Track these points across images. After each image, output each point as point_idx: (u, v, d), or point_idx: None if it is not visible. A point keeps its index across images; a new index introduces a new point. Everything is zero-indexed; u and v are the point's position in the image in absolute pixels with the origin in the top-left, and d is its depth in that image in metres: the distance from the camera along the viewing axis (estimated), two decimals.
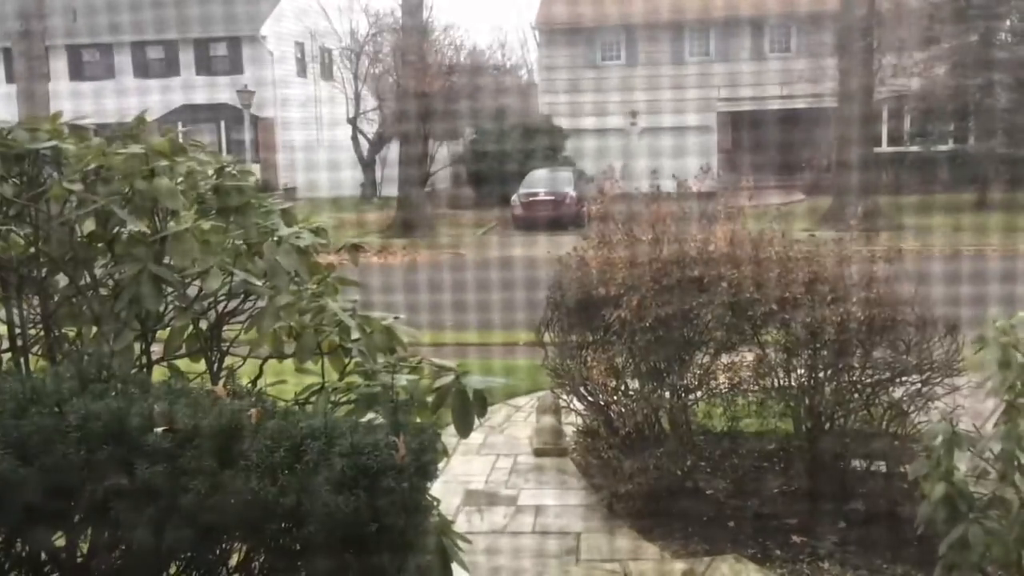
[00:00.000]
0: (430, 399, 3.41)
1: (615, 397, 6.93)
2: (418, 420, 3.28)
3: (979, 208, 26.88)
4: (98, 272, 3.72)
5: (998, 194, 27.34)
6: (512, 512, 6.78)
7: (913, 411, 6.19)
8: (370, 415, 3.25)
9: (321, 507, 2.76)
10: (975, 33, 28.60)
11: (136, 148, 3.55)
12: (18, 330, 3.70)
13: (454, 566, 3.38)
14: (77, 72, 40.42)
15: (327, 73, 42.81)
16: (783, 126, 32.41)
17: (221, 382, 3.55)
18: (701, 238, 6.84)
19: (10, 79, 29.74)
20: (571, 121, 35.61)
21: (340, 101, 40.52)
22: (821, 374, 6.29)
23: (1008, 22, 29.50)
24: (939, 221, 23.75)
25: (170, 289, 3.54)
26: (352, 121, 39.29)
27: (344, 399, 3.49)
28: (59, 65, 37.91)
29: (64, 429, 2.90)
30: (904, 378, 6.20)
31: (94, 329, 3.66)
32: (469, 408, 3.39)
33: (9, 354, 3.71)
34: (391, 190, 32.20)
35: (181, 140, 3.94)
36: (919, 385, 6.17)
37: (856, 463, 6.42)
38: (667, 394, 6.63)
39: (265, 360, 3.71)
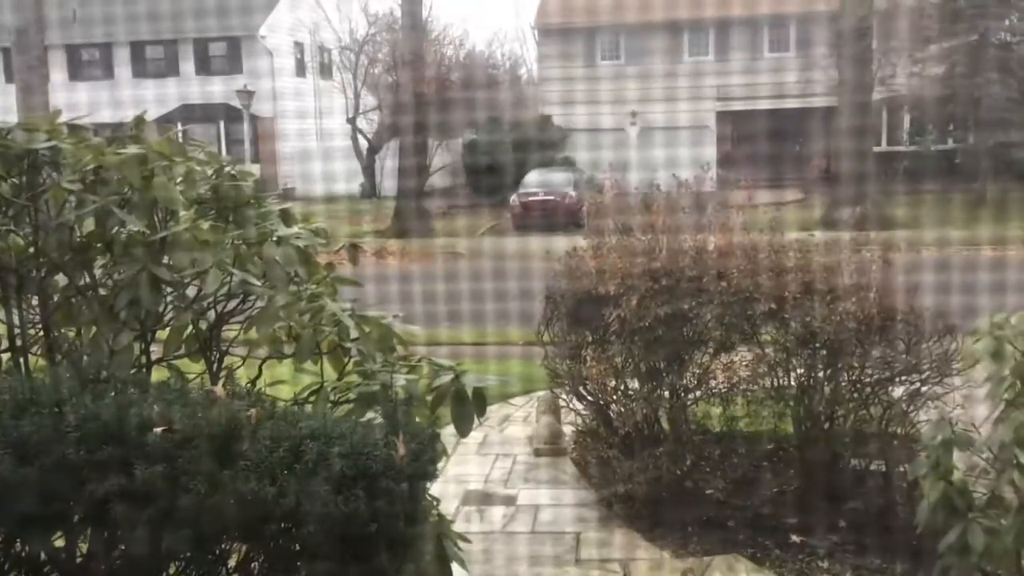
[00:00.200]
0: (429, 398, 3.41)
1: (614, 397, 6.93)
2: (417, 420, 3.28)
3: (978, 207, 26.88)
4: (97, 272, 3.72)
5: (997, 193, 27.36)
6: (511, 512, 6.78)
7: (912, 411, 6.20)
8: (369, 415, 3.25)
9: (320, 507, 2.76)
10: (974, 32, 28.61)
11: (135, 148, 3.54)
12: (17, 330, 3.70)
13: (453, 566, 3.38)
14: (76, 72, 40.43)
15: (326, 73, 42.82)
16: (782, 125, 32.45)
17: (220, 382, 3.55)
18: (700, 237, 6.85)
19: (9, 79, 29.76)
20: (570, 120, 35.65)
21: (339, 101, 40.54)
22: (820, 374, 6.29)
23: (1006, 21, 29.51)
24: (937, 219, 23.76)
25: (169, 289, 3.54)
26: (351, 121, 39.31)
27: (343, 399, 3.49)
28: (58, 65, 37.91)
29: (63, 429, 2.91)
30: (903, 377, 6.20)
31: (93, 329, 3.65)
32: (468, 407, 3.39)
33: (8, 354, 3.71)
34: (390, 189, 32.21)
35: (180, 140, 3.94)
36: (918, 384, 6.17)
37: (855, 463, 6.42)
38: (666, 394, 6.63)
39: (264, 360, 3.71)
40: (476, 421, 3.45)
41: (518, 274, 16.33)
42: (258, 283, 3.45)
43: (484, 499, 7.04)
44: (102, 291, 3.68)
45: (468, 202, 34.08)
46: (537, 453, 7.88)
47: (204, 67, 40.30)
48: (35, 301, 3.79)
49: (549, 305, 7.29)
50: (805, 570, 5.76)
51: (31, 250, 3.65)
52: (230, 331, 3.79)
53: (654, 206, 7.29)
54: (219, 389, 3.18)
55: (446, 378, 3.40)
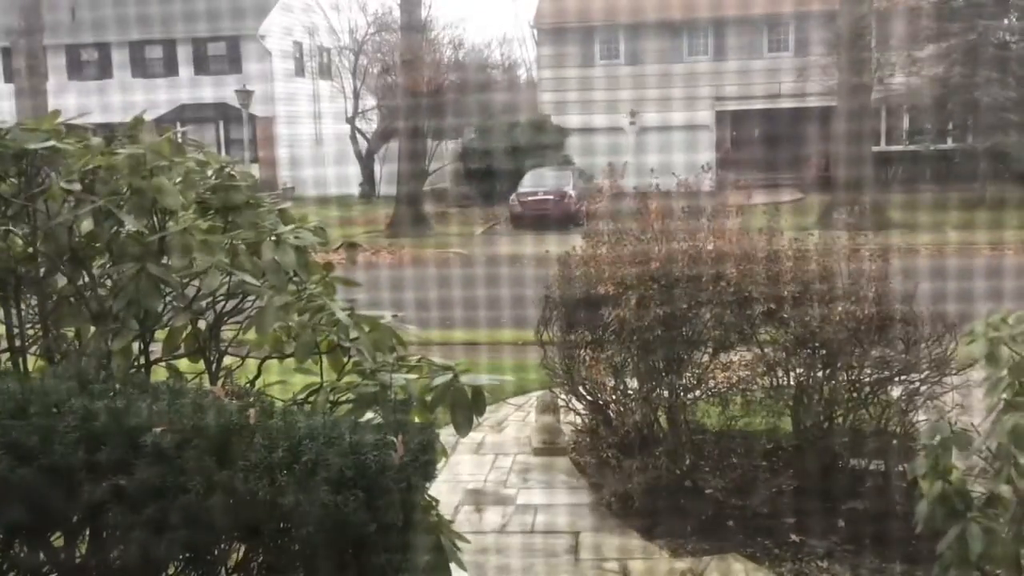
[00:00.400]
0: (428, 398, 3.41)
1: (613, 396, 6.94)
2: (416, 420, 3.28)
3: (977, 206, 26.89)
4: (96, 273, 3.72)
5: (997, 192, 27.36)
6: (511, 511, 6.78)
7: (910, 410, 6.20)
8: (368, 415, 3.25)
9: (320, 507, 2.76)
10: (972, 32, 28.60)
11: (134, 148, 3.54)
12: (16, 330, 3.70)
13: (452, 566, 3.38)
14: (75, 71, 40.41)
15: (326, 72, 42.79)
16: (781, 124, 32.45)
17: (220, 382, 3.55)
18: (700, 237, 6.85)
19: (8, 78, 29.75)
20: (570, 120, 35.63)
21: (339, 100, 40.53)
22: (818, 373, 6.29)
23: (1006, 20, 29.51)
24: (937, 219, 23.77)
25: (168, 289, 3.54)
26: (351, 120, 39.29)
27: (343, 399, 3.49)
28: (57, 64, 37.90)
29: (63, 429, 2.91)
30: (902, 377, 6.20)
31: (92, 329, 3.65)
32: (468, 406, 3.39)
33: (8, 354, 3.71)
34: (390, 189, 32.21)
35: (180, 140, 3.94)
36: (916, 384, 6.18)
37: (854, 462, 6.42)
38: (665, 394, 6.63)
39: (264, 360, 3.71)
40: (475, 421, 3.45)
41: (517, 274, 16.34)
42: (257, 283, 3.45)
43: (483, 499, 7.04)
44: (101, 291, 3.68)
45: (467, 202, 34.07)
46: (536, 453, 7.88)
47: (203, 67, 40.28)
48: (34, 301, 3.79)
49: (548, 305, 7.29)
50: (803, 570, 5.76)
51: (30, 250, 3.65)
52: (229, 331, 3.79)
53: (653, 206, 7.29)
54: (218, 389, 3.18)
55: (445, 378, 3.40)
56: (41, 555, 3.18)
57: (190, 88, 39.09)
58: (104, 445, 2.89)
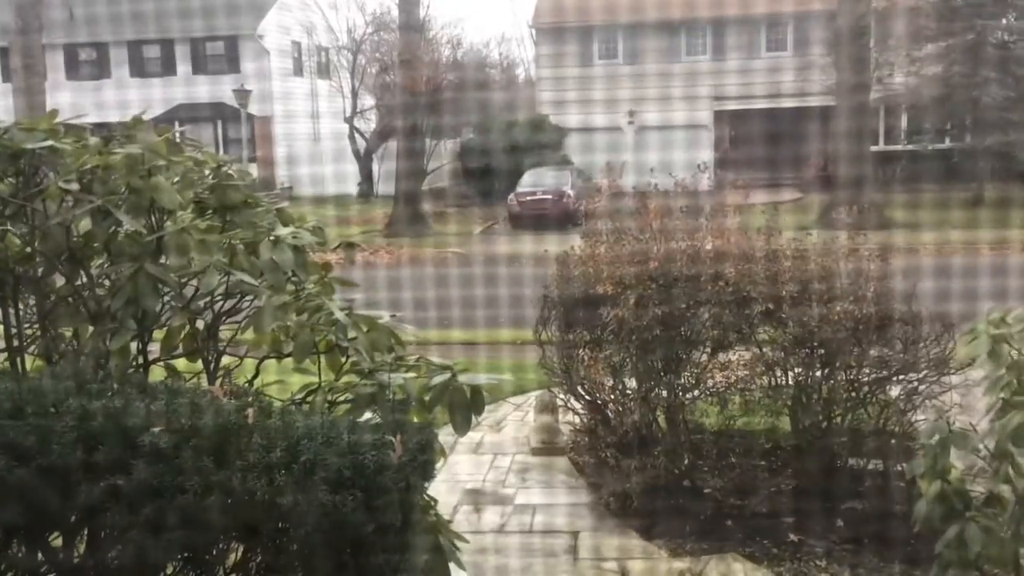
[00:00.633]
0: (426, 397, 3.40)
1: (612, 396, 6.94)
2: (414, 419, 3.28)
3: (975, 205, 26.90)
4: (94, 272, 3.71)
5: (994, 191, 27.37)
6: (510, 511, 6.78)
7: (909, 410, 6.20)
8: (367, 415, 3.25)
9: (318, 507, 2.76)
10: (971, 31, 28.61)
11: (133, 148, 3.54)
12: (14, 330, 3.69)
13: (451, 566, 3.38)
14: (73, 71, 40.38)
15: (324, 72, 42.77)
16: (779, 124, 32.43)
17: (218, 382, 3.54)
18: (698, 236, 6.85)
19: (6, 78, 29.72)
20: (568, 119, 35.62)
21: (337, 100, 40.51)
22: (817, 373, 6.29)
23: (1004, 20, 29.52)
24: (935, 219, 23.78)
25: (167, 289, 3.54)
26: (349, 120, 39.28)
27: (341, 398, 3.48)
28: (56, 64, 37.85)
29: (61, 429, 2.90)
30: (900, 376, 6.20)
31: (90, 329, 3.65)
32: (466, 406, 3.38)
33: (5, 354, 3.71)
34: (388, 188, 32.20)
35: (178, 139, 3.94)
36: (915, 383, 6.18)
37: (853, 461, 6.42)
38: (664, 393, 6.63)
39: (262, 360, 3.71)
40: (474, 420, 3.44)
41: (515, 274, 16.33)
42: (255, 283, 3.45)
43: (481, 499, 7.04)
44: (99, 291, 3.68)
45: (466, 202, 34.07)
46: (534, 452, 7.88)
47: (201, 67, 40.25)
48: (32, 301, 3.79)
49: (546, 305, 7.29)
50: (802, 569, 5.76)
51: (28, 250, 3.65)
52: (227, 331, 3.79)
53: (651, 206, 7.29)
54: (216, 389, 3.18)
55: (443, 377, 3.39)
56: (39, 555, 3.18)
57: (188, 87, 39.04)
58: (102, 445, 2.88)
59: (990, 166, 28.12)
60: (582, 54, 37.38)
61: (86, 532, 3.15)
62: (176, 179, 3.62)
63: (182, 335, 3.66)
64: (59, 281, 3.73)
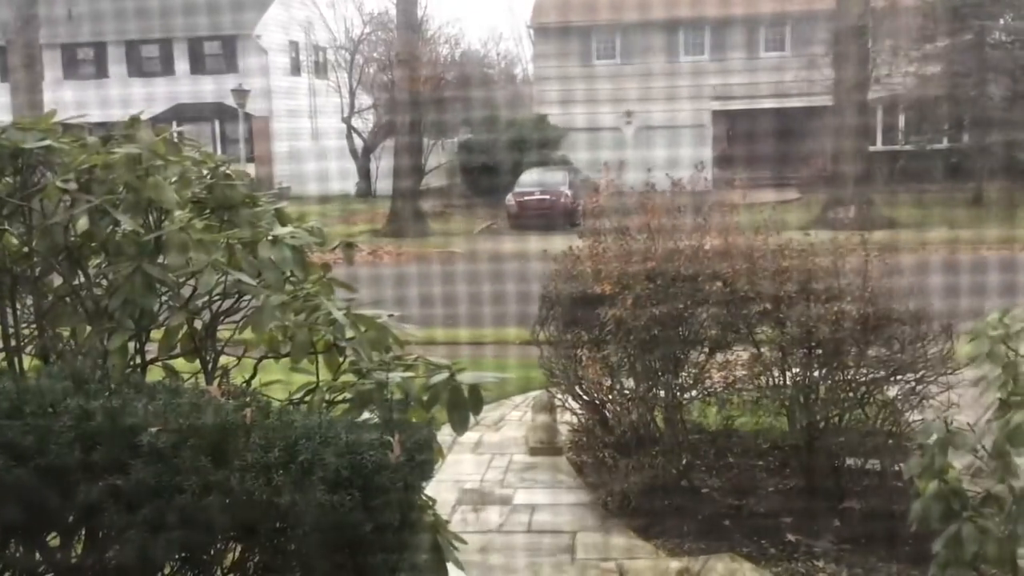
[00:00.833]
0: (424, 397, 3.40)
1: (610, 396, 6.94)
2: (413, 419, 3.28)
3: (974, 205, 26.93)
4: (91, 272, 3.71)
5: (993, 191, 27.40)
6: (507, 511, 6.78)
7: (907, 409, 6.21)
8: (365, 415, 3.25)
9: (316, 507, 2.76)
10: (969, 32, 28.65)
11: (130, 148, 3.54)
12: (12, 329, 3.69)
13: (449, 566, 3.37)
14: (71, 71, 40.36)
15: (321, 72, 42.78)
16: (778, 124, 32.46)
17: (216, 382, 3.54)
18: (696, 236, 6.85)
19: (4, 77, 29.69)
20: (566, 119, 35.63)
21: (335, 99, 40.51)
22: (816, 372, 6.29)
23: (1002, 20, 29.56)
24: (933, 219, 23.79)
25: (164, 289, 3.53)
26: (347, 120, 39.28)
27: (338, 399, 3.48)
28: (53, 64, 37.82)
29: (58, 429, 2.90)
30: (899, 376, 6.21)
31: (87, 329, 3.65)
32: (464, 405, 3.38)
33: (3, 353, 3.70)
34: (386, 188, 32.20)
35: (175, 139, 3.94)
36: (913, 383, 6.18)
37: (851, 461, 6.43)
38: (662, 393, 6.64)
39: (260, 360, 3.70)
40: (472, 420, 3.44)
41: (514, 274, 16.33)
42: (253, 283, 3.44)
43: (480, 499, 7.04)
44: (96, 291, 3.68)
45: (464, 201, 34.07)
46: (533, 452, 7.88)
47: (199, 66, 40.25)
48: (29, 301, 3.78)
49: (545, 305, 7.29)
50: (801, 569, 5.76)
51: (25, 250, 3.65)
52: (225, 331, 3.79)
53: (650, 206, 7.30)
54: (214, 389, 3.17)
55: (442, 377, 3.39)
56: (37, 555, 3.17)
57: (186, 87, 39.05)
58: (100, 445, 2.88)
59: (988, 165, 28.14)
60: (580, 53, 37.40)
61: (84, 532, 3.14)
62: (174, 178, 3.62)
63: (180, 335, 3.66)
64: (56, 281, 3.73)
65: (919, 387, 6.16)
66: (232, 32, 39.50)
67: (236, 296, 3.67)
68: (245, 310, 3.67)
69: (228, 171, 3.87)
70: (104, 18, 37.61)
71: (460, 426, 3.39)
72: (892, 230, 22.74)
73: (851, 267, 6.49)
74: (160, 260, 3.48)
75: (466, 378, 3.39)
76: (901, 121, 33.77)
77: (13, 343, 3.69)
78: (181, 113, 36.73)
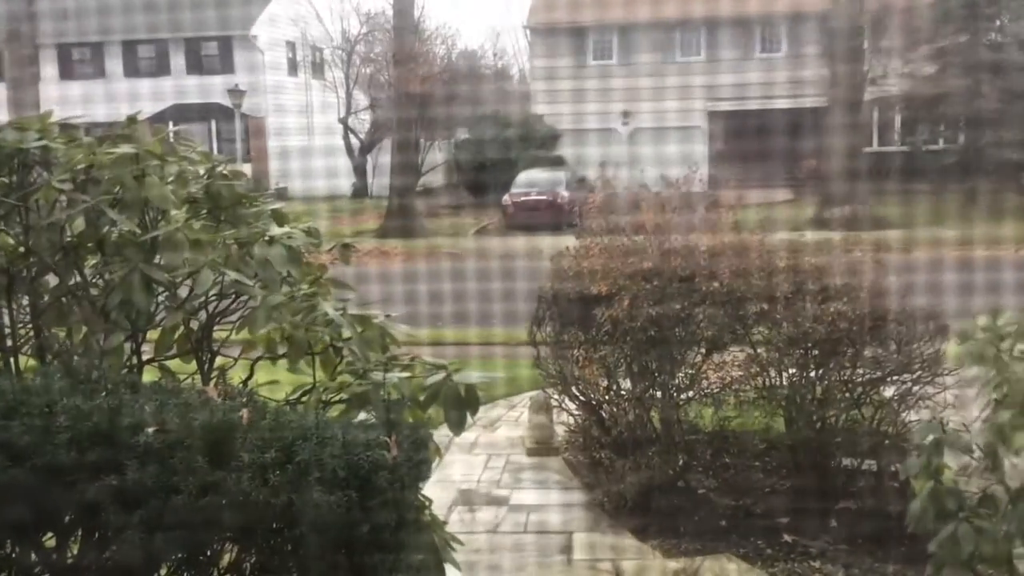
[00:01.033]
0: (421, 398, 3.40)
1: (606, 397, 6.94)
2: (410, 419, 3.28)
3: (969, 207, 26.95)
4: (88, 272, 3.71)
5: (987, 193, 27.43)
6: (504, 511, 6.78)
7: (903, 410, 6.22)
8: (361, 415, 3.24)
9: (313, 507, 2.75)
10: (965, 34, 28.70)
11: (127, 148, 3.53)
12: (8, 330, 3.69)
13: (447, 566, 3.37)
14: (67, 72, 40.30)
15: (318, 73, 42.76)
16: (773, 126, 32.49)
17: (212, 382, 3.54)
18: (692, 237, 6.86)
19: (0, 77, 29.66)
20: (563, 121, 35.65)
21: (331, 101, 40.50)
22: (812, 373, 6.30)
23: (997, 22, 29.62)
24: (929, 219, 23.82)
25: (161, 289, 3.53)
26: (344, 121, 39.27)
27: (336, 398, 3.48)
28: (49, 64, 37.78)
29: (54, 430, 2.89)
30: (895, 377, 6.22)
31: (84, 329, 3.64)
32: (461, 406, 3.38)
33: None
34: (382, 189, 32.19)
35: (172, 140, 3.93)
36: (909, 384, 6.19)
37: (847, 462, 6.43)
38: (658, 394, 6.64)
39: (256, 360, 3.70)
40: (469, 420, 3.44)
41: (510, 274, 16.34)
42: (250, 283, 3.44)
43: (476, 499, 7.04)
44: (93, 291, 3.67)
45: (460, 201, 34.07)
46: (529, 453, 7.88)
47: (196, 66, 40.21)
48: (25, 301, 3.78)
49: (541, 305, 7.30)
50: (797, 569, 5.77)
51: (21, 250, 3.64)
52: (222, 331, 3.78)
53: (646, 206, 7.30)
54: (211, 389, 3.17)
55: (438, 377, 3.39)
56: (33, 556, 3.17)
57: (182, 87, 39.02)
58: (96, 445, 2.88)
59: (984, 166, 28.19)
60: (576, 56, 37.41)
61: (80, 532, 3.14)
62: (171, 179, 3.62)
63: (177, 335, 3.66)
64: (53, 281, 3.72)
65: (915, 387, 6.17)
66: (229, 32, 39.46)
67: (233, 296, 3.67)
68: (242, 311, 3.66)
69: (225, 171, 3.86)
70: (101, 18, 37.55)
71: (457, 426, 3.39)
72: (887, 230, 22.76)
73: (845, 267, 6.50)
74: (157, 260, 3.48)
75: (463, 379, 3.39)
76: (897, 122, 33.82)
77: (10, 343, 3.69)
78: (178, 113, 36.69)
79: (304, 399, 3.53)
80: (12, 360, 3.67)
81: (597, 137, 35.12)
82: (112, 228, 3.54)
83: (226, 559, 3.11)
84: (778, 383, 6.40)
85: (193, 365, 3.73)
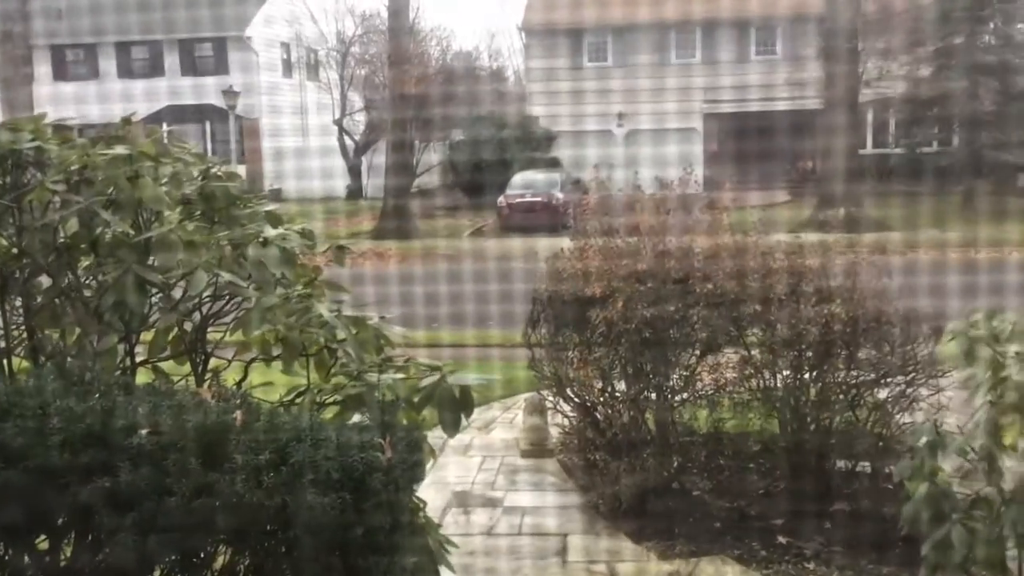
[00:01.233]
0: (416, 398, 3.40)
1: (601, 399, 6.94)
2: (404, 421, 3.27)
3: (964, 209, 27.02)
4: (81, 273, 3.70)
5: (983, 195, 27.50)
6: (499, 513, 6.78)
7: (897, 412, 6.22)
8: (356, 417, 3.24)
9: (306, 509, 2.75)
10: (960, 36, 28.77)
11: (121, 149, 3.53)
12: (1, 331, 3.68)
13: (441, 568, 3.37)
14: (61, 73, 40.23)
15: (313, 74, 42.74)
16: (769, 128, 32.54)
17: (206, 384, 3.53)
18: (686, 239, 6.86)
19: None
20: (558, 123, 35.67)
21: (326, 102, 40.48)
22: (806, 375, 6.31)
23: (992, 25, 29.69)
24: (923, 223, 23.86)
25: (154, 290, 3.52)
26: (338, 122, 39.25)
27: (330, 400, 3.48)
28: (43, 66, 37.72)
29: (47, 431, 2.89)
30: (888, 379, 6.22)
31: (77, 331, 3.63)
32: (455, 408, 3.37)
33: None
34: (378, 192, 32.18)
35: (166, 141, 3.92)
36: (903, 386, 6.20)
37: (841, 463, 6.44)
38: (653, 395, 6.64)
39: (250, 362, 3.69)
40: (464, 422, 3.43)
41: (505, 275, 16.33)
42: (244, 284, 3.44)
43: (471, 501, 7.03)
44: (86, 292, 3.66)
45: (455, 203, 34.10)
46: (524, 455, 7.88)
47: (190, 67, 40.15)
48: (19, 302, 3.77)
49: (536, 307, 7.29)
50: (791, 571, 5.77)
51: (15, 251, 3.63)
52: (216, 333, 3.78)
53: (640, 208, 7.31)
54: (204, 391, 3.17)
55: (433, 378, 3.39)
56: (26, 558, 3.16)
57: (176, 89, 38.98)
58: (90, 447, 2.87)
59: (978, 169, 28.26)
60: (571, 58, 37.42)
61: (73, 534, 3.13)
62: (165, 180, 3.61)
63: (170, 337, 3.65)
64: (46, 283, 3.71)
65: (909, 389, 6.18)
66: (223, 33, 39.42)
67: (227, 298, 3.66)
68: (236, 312, 3.66)
69: (219, 172, 3.86)
70: (95, 19, 37.48)
71: (451, 428, 3.39)
72: (882, 232, 22.81)
73: (841, 269, 6.51)
74: (151, 261, 3.47)
75: (457, 380, 3.38)
76: (891, 125, 33.88)
77: (3, 344, 3.68)
78: (172, 114, 36.66)
79: (298, 401, 3.53)
80: (5, 361, 3.66)
81: (593, 139, 35.14)
82: (106, 229, 3.53)
83: (220, 561, 3.10)
84: (772, 385, 6.40)
85: (187, 367, 3.72)
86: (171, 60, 40.32)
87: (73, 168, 3.51)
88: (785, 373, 6.35)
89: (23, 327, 3.75)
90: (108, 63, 40.51)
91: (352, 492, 2.79)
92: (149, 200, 3.45)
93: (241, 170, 32.40)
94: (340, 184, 37.75)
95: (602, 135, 35.69)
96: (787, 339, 6.14)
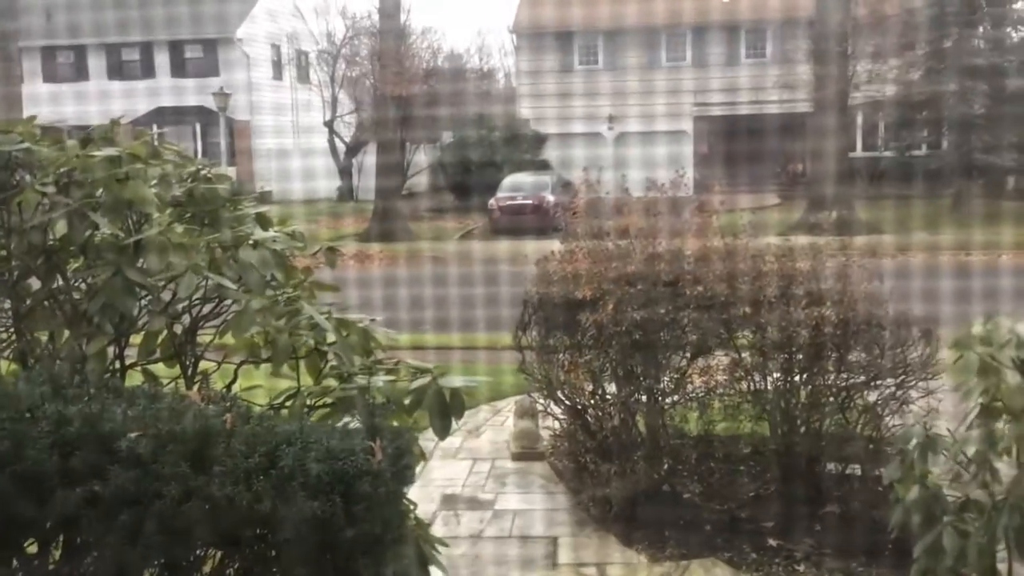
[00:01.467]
0: (407, 401, 3.39)
1: (591, 401, 6.94)
2: (395, 423, 3.26)
3: (953, 213, 27.12)
4: (71, 275, 3.68)
5: (972, 199, 27.60)
6: (489, 516, 6.77)
7: (888, 414, 6.23)
8: (346, 419, 3.23)
9: (296, 513, 2.74)
10: (949, 39, 28.88)
11: (110, 151, 3.51)
12: None
13: (432, 570, 3.36)
14: (51, 74, 40.09)
15: (304, 76, 42.67)
16: (758, 131, 32.61)
17: (195, 387, 3.52)
18: (676, 242, 6.86)
19: None
20: (549, 125, 35.70)
21: (317, 104, 40.43)
22: (796, 377, 6.32)
23: (981, 28, 29.81)
24: (913, 226, 23.95)
25: (144, 292, 3.51)
26: (329, 124, 39.21)
27: (320, 403, 3.46)
28: (32, 67, 37.59)
29: (36, 434, 2.87)
30: (879, 381, 6.23)
31: (66, 333, 3.62)
32: (447, 409, 3.37)
33: None
34: (368, 194, 32.15)
35: (156, 142, 3.91)
36: (893, 388, 6.21)
37: (831, 466, 6.45)
38: (643, 398, 6.64)
39: (240, 364, 3.68)
40: (454, 425, 3.43)
41: (495, 278, 16.33)
42: (233, 287, 3.42)
43: (461, 503, 7.02)
44: (76, 295, 3.65)
45: (446, 206, 34.09)
46: (514, 458, 7.87)
47: (180, 70, 40.07)
48: (7, 305, 3.75)
49: (526, 309, 7.29)
50: (782, 574, 5.77)
51: (3, 253, 3.61)
52: (205, 335, 3.76)
53: (630, 211, 7.31)
54: (194, 394, 3.15)
55: (423, 381, 3.38)
56: (14, 563, 3.14)
57: (167, 91, 38.89)
58: (78, 451, 2.85)
59: (967, 172, 28.36)
60: (562, 60, 37.45)
61: (61, 539, 3.11)
62: (153, 182, 3.60)
63: (160, 339, 3.63)
64: (34, 285, 3.70)
65: (899, 392, 6.19)
66: (214, 37, 39.34)
67: (217, 300, 3.65)
68: (226, 314, 3.64)
69: (208, 174, 3.85)
70: (84, 22, 37.38)
71: (442, 430, 3.38)
72: (872, 235, 22.87)
73: (831, 272, 6.51)
74: (140, 264, 3.46)
75: (448, 382, 3.38)
76: (881, 128, 33.98)
77: None
78: (162, 117, 36.56)
79: (289, 404, 3.52)
80: None
81: (583, 141, 35.16)
82: (95, 231, 3.51)
83: (209, 565, 3.09)
84: (763, 387, 6.41)
85: (176, 370, 3.70)
86: (161, 62, 40.23)
87: (62, 170, 3.49)
88: (776, 376, 6.35)
89: (11, 330, 3.73)
90: (98, 64, 40.40)
91: (342, 495, 2.78)
92: (138, 202, 3.44)
93: (231, 172, 32.34)
94: (331, 186, 37.71)
95: (592, 137, 35.72)
96: (778, 342, 6.15)
